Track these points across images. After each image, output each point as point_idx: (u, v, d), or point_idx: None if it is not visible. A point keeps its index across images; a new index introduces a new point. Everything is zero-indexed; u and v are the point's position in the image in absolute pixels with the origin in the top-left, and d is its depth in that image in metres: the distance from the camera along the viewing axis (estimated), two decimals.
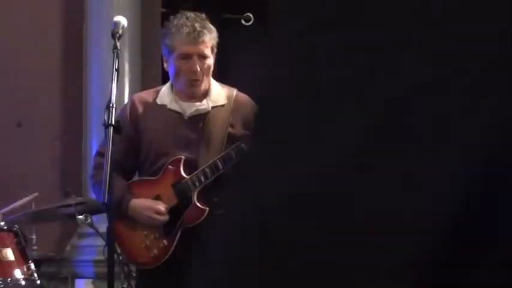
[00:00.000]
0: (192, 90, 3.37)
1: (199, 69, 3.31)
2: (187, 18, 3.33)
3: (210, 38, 3.34)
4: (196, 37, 3.29)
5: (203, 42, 3.31)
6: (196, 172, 3.28)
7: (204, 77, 3.36)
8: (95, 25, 5.46)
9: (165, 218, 3.30)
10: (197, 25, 3.30)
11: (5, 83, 5.48)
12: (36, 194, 4.56)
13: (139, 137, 3.41)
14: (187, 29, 3.29)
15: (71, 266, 5.36)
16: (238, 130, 3.35)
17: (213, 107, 3.39)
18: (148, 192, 3.35)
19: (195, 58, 3.31)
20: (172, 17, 3.41)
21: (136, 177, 3.51)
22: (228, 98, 3.43)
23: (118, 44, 3.15)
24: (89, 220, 4.20)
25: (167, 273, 3.33)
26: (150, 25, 5.54)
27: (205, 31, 3.31)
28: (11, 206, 4.46)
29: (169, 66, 3.39)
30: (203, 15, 3.41)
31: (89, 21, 5.54)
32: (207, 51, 3.33)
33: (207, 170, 3.26)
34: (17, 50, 5.54)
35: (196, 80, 3.34)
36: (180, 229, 3.29)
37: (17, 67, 5.53)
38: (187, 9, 6.17)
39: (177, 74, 3.36)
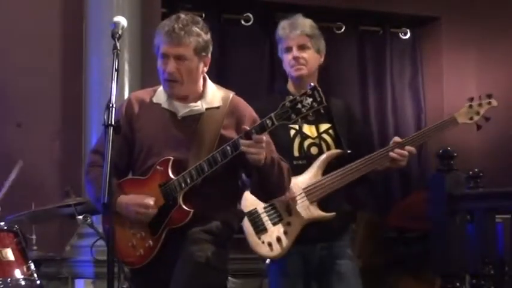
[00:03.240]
0: (170, 91, 3.35)
1: (174, 70, 3.29)
2: (172, 19, 3.32)
3: (192, 40, 3.29)
4: (174, 38, 3.26)
5: (183, 43, 3.27)
6: (182, 174, 3.28)
7: (184, 78, 3.33)
8: (94, 25, 5.46)
9: (154, 211, 3.29)
10: (177, 26, 3.27)
11: (5, 83, 5.48)
12: (20, 161, 4.57)
13: (133, 135, 3.41)
14: (167, 29, 3.28)
15: (71, 266, 5.36)
16: (231, 133, 3.35)
17: (207, 109, 3.38)
18: (137, 191, 3.35)
19: (171, 59, 3.29)
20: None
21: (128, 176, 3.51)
22: (224, 100, 3.41)
23: (118, 44, 3.15)
24: (89, 220, 4.21)
25: (155, 273, 3.34)
26: (150, 25, 5.53)
27: (182, 33, 3.26)
28: (6, 187, 4.47)
29: (158, 66, 3.40)
30: (197, 18, 3.38)
31: (89, 21, 5.53)
32: (187, 53, 3.28)
33: (193, 172, 3.26)
34: (17, 50, 5.54)
35: (172, 81, 3.32)
36: (165, 230, 3.30)
37: (17, 67, 5.53)
38: (187, 10, 6.22)
39: (160, 73, 3.37)
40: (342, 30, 6.66)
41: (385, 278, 4.42)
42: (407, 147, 3.82)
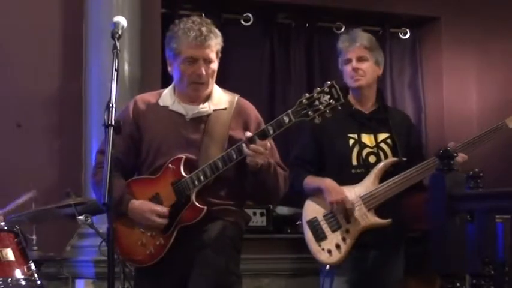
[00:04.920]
0: (196, 94, 3.39)
1: (204, 72, 3.33)
2: (193, 22, 3.35)
3: (216, 42, 3.36)
4: (203, 41, 3.31)
5: (209, 46, 3.33)
6: (196, 171, 3.29)
7: (210, 81, 3.39)
8: (94, 25, 5.45)
9: (165, 221, 3.31)
10: (204, 29, 3.32)
11: (5, 83, 5.48)
12: (34, 191, 4.57)
13: (140, 136, 3.42)
14: (194, 33, 3.31)
15: (71, 266, 5.36)
16: (238, 133, 3.36)
17: (214, 110, 3.40)
18: (147, 190, 3.36)
19: (201, 62, 3.33)
20: (177, 21, 3.43)
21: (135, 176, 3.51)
22: (230, 102, 3.45)
23: (117, 44, 3.16)
24: (89, 220, 4.22)
25: (165, 271, 3.34)
26: (149, 25, 5.54)
27: (211, 35, 3.34)
28: (11, 206, 4.47)
29: (174, 70, 3.41)
30: (208, 20, 3.43)
31: (89, 21, 5.53)
32: (213, 56, 3.36)
33: (207, 170, 3.28)
34: (17, 50, 5.54)
35: (201, 84, 3.36)
36: (177, 227, 3.30)
37: (17, 67, 5.52)
38: (187, 10, 6.23)
39: (181, 77, 3.38)
40: (342, 30, 6.65)
41: None
42: (461, 154, 3.90)
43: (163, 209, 3.31)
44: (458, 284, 4.28)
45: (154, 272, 3.36)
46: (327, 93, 3.18)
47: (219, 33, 3.40)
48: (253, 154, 3.20)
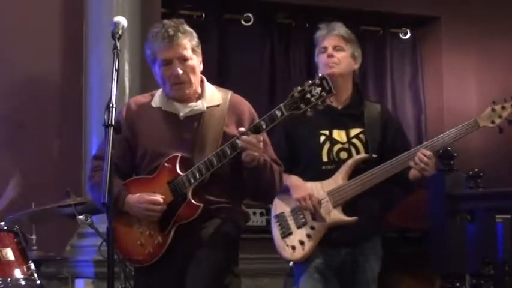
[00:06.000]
0: (181, 93, 3.39)
1: (181, 71, 3.33)
2: (163, 26, 3.37)
3: (187, 40, 3.36)
4: (170, 42, 3.31)
5: (179, 44, 3.33)
6: (191, 169, 3.30)
7: (191, 78, 3.37)
8: (94, 25, 5.46)
9: (163, 207, 3.31)
10: (170, 30, 3.33)
11: (5, 83, 5.48)
12: (17, 176, 4.58)
13: (135, 138, 3.42)
14: (161, 36, 3.33)
15: (71, 266, 5.37)
16: (233, 130, 3.37)
17: (208, 107, 3.41)
18: (144, 189, 3.37)
19: (176, 62, 3.33)
20: (151, 28, 3.45)
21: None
22: (223, 99, 3.45)
23: (118, 44, 3.16)
24: (89, 220, 4.22)
25: (164, 269, 3.35)
26: (150, 25, 5.50)
27: (179, 34, 3.33)
28: (5, 201, 4.48)
29: (156, 76, 3.42)
30: (180, 20, 3.43)
31: (89, 21, 5.53)
32: (187, 53, 3.35)
33: (202, 167, 3.28)
34: (17, 50, 5.54)
35: (182, 83, 3.36)
36: (175, 225, 3.31)
37: (17, 67, 5.52)
38: (187, 10, 6.22)
39: (163, 81, 3.39)
40: None
41: (385, 278, 4.41)
42: (427, 152, 3.84)
43: (157, 197, 3.31)
44: (458, 284, 4.28)
45: (153, 269, 3.37)
46: (318, 86, 3.19)
47: (190, 30, 3.39)
48: (247, 146, 3.20)
